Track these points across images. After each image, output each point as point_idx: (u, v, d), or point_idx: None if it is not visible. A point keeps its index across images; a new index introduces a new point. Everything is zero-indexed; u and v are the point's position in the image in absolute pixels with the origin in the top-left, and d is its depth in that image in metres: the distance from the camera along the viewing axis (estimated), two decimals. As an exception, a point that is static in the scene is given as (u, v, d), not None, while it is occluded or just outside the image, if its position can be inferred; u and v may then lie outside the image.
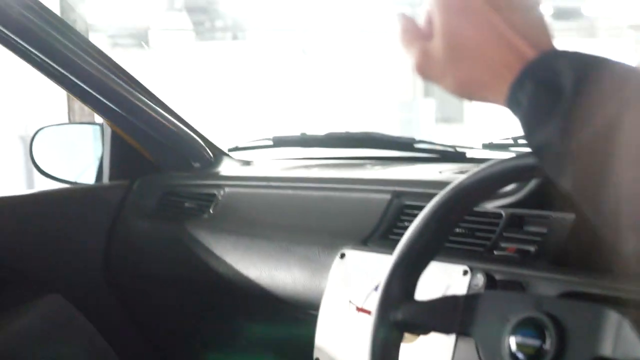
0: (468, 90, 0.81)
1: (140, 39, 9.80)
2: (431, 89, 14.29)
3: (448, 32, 0.79)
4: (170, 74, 10.11)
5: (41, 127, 2.14)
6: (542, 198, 1.29)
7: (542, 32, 0.79)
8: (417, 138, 1.92)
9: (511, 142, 1.73)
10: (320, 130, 2.01)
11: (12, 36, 1.75)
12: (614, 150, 0.68)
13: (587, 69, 0.73)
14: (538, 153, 0.75)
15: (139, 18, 9.75)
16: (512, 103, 0.77)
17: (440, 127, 14.01)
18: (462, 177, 1.06)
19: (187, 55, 10.42)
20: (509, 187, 1.33)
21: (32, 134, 2.12)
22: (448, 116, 14.07)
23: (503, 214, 1.34)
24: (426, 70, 0.82)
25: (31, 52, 1.79)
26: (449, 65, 0.80)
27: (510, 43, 0.77)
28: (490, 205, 1.36)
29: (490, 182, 1.05)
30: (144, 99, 1.95)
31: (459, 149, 1.88)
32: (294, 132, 2.05)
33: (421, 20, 0.83)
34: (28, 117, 10.27)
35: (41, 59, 1.80)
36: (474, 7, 0.78)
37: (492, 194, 1.27)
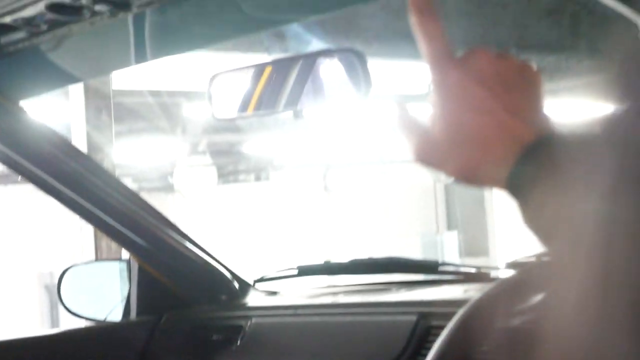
0: (469, 175, 0.81)
1: (165, 181, 9.96)
2: (454, 221, 14.31)
3: (447, 118, 0.81)
4: (195, 215, 10.23)
5: (69, 265, 2.17)
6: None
7: (538, 111, 0.80)
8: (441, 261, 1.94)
9: (534, 260, 1.74)
10: (344, 258, 2.04)
11: (42, 174, 1.81)
12: (613, 229, 0.71)
13: (581, 149, 0.75)
14: (538, 232, 0.75)
15: (163, 161, 9.92)
16: (511, 186, 0.78)
17: (464, 261, 13.94)
18: (486, 287, 1.07)
19: (211, 198, 10.56)
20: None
21: (60, 274, 2.15)
22: (473, 249, 14.02)
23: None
24: (426, 156, 0.83)
25: (61, 189, 1.85)
26: (449, 152, 0.81)
27: (506, 126, 0.78)
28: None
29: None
30: (169, 233, 1.98)
31: (483, 270, 1.89)
32: (318, 261, 2.08)
33: (420, 110, 0.85)
34: (53, 265, 10.36)
35: (70, 196, 1.85)
36: (471, 92, 0.80)
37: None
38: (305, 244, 11.97)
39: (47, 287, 10.15)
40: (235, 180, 12.59)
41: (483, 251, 14.35)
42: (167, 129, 7.94)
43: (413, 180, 13.47)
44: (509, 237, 13.39)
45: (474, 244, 13.94)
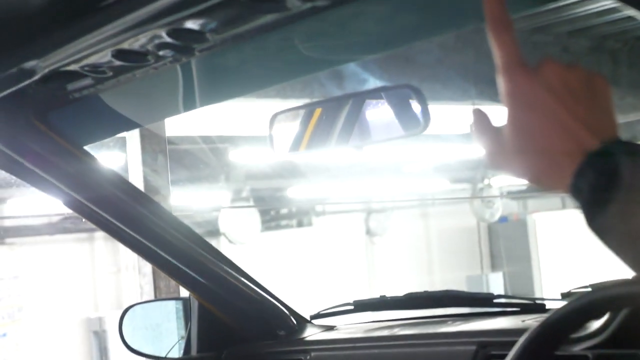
0: (535, 177, 0.85)
1: (212, 226, 10.04)
2: (499, 263, 14.20)
3: (517, 124, 0.85)
4: (241, 259, 10.29)
5: (130, 305, 2.22)
6: (629, 336, 1.30)
7: (605, 121, 0.85)
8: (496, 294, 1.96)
9: (589, 290, 1.75)
10: (399, 293, 2.06)
11: (106, 215, 1.87)
12: None
13: None
14: (600, 236, 0.80)
15: (208, 207, 10.01)
16: (574, 190, 0.82)
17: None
18: (547, 314, 1.09)
19: (256, 242, 10.61)
20: (594, 327, 1.35)
21: (121, 313, 2.20)
22: (518, 288, 13.87)
23: (590, 356, 1.35)
24: (496, 159, 0.87)
25: (123, 229, 1.90)
26: (517, 155, 0.85)
27: (573, 134, 0.83)
28: (577, 348, 1.38)
29: (578, 314, 1.08)
30: (228, 270, 2.03)
31: (538, 301, 1.91)
32: (373, 296, 2.10)
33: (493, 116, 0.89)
34: (100, 311, 10.45)
35: (133, 236, 1.91)
36: (541, 100, 0.84)
37: (580, 327, 1.30)
38: (349, 288, 11.94)
39: (96, 333, 10.23)
40: (278, 226, 12.64)
41: (529, 291, 14.19)
42: (213, 174, 8.04)
43: (456, 221, 13.42)
44: (554, 275, 13.25)
45: (519, 284, 13.80)
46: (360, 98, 1.44)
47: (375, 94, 1.43)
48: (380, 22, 1.31)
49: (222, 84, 1.59)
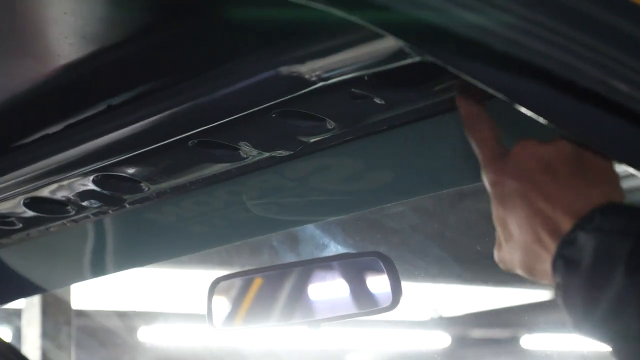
0: (531, 272, 0.86)
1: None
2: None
3: (497, 219, 0.87)
4: None
5: None
6: None
7: (584, 190, 0.82)
8: None
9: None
10: None
11: None
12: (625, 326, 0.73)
13: (604, 245, 0.76)
14: (578, 331, 0.79)
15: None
16: (555, 285, 0.81)
17: None
18: None
19: None
20: None
21: None
22: None
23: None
24: (501, 260, 0.89)
25: None
26: (507, 250, 0.87)
27: (546, 220, 0.82)
28: None
29: None
30: None
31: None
32: None
33: None
34: None
35: None
36: (512, 189, 0.84)
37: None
38: None
39: None
40: None
41: None
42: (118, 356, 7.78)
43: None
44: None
45: None
46: (316, 266, 1.36)
47: (334, 262, 1.36)
48: (348, 180, 1.26)
49: (153, 243, 1.50)
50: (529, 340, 8.34)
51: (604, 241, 0.77)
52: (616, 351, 0.76)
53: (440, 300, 6.86)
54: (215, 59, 1.02)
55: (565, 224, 0.80)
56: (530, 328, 8.15)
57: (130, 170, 1.27)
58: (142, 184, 1.31)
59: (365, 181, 1.25)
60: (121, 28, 1.00)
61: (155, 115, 1.10)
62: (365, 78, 0.99)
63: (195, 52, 1.04)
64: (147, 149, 1.16)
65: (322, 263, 1.36)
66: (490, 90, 0.78)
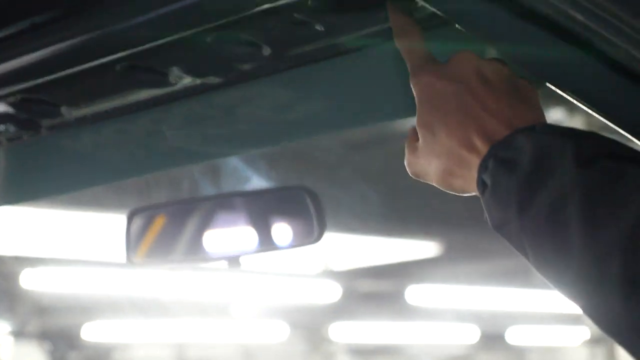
0: (447, 180, 0.87)
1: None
2: None
3: (426, 123, 0.88)
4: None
5: None
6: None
7: (525, 112, 0.85)
8: None
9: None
10: None
11: None
12: (567, 221, 0.74)
13: (546, 144, 0.78)
14: (499, 232, 0.81)
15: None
16: (480, 187, 0.83)
17: None
18: None
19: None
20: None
21: None
22: None
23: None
24: (412, 167, 0.91)
25: None
26: (427, 158, 0.88)
27: (481, 126, 0.84)
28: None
29: None
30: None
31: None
32: None
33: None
34: None
35: None
36: (448, 91, 0.86)
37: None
38: None
39: None
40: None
41: None
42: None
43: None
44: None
45: None
46: (240, 199, 1.37)
47: (258, 195, 1.37)
48: (277, 110, 1.26)
49: (68, 172, 1.47)
50: (414, 293, 8.51)
51: (545, 140, 0.78)
52: (540, 254, 0.77)
53: (332, 252, 6.89)
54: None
55: (502, 131, 0.83)
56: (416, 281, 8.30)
57: (51, 94, 1.24)
58: (62, 108, 1.29)
59: (295, 112, 1.25)
60: None
61: (82, 35, 1.08)
62: (309, 2, 1.00)
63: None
64: (72, 70, 1.13)
65: (245, 196, 1.36)
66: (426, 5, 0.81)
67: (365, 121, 1.27)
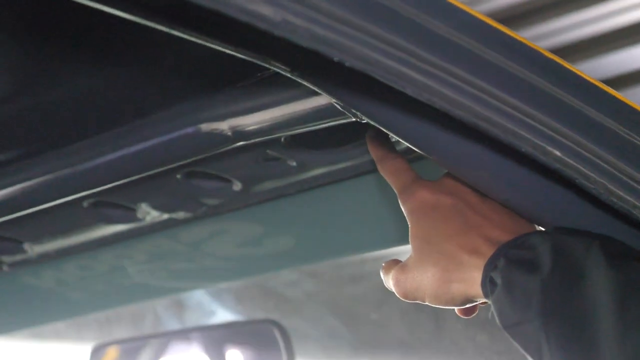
0: (444, 287, 0.85)
1: None
2: None
3: (420, 233, 0.87)
4: None
5: None
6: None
7: (516, 222, 0.85)
8: None
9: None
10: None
11: None
12: (593, 329, 0.73)
13: (568, 245, 0.78)
14: (510, 330, 0.78)
15: None
16: (486, 286, 0.80)
17: None
18: None
19: None
20: None
21: None
22: None
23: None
24: (402, 284, 0.87)
25: None
26: (421, 269, 0.86)
27: (484, 232, 0.83)
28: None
29: None
30: None
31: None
32: None
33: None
34: None
35: None
36: (444, 201, 0.86)
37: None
38: None
39: None
40: None
41: None
42: None
43: None
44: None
45: None
46: (205, 334, 1.36)
47: (225, 329, 1.36)
48: (243, 245, 1.26)
49: (28, 309, 1.45)
50: None
51: (566, 241, 0.78)
52: (564, 357, 0.76)
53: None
54: (124, 115, 1.00)
55: (507, 237, 0.82)
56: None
57: (15, 231, 1.24)
58: (24, 245, 1.28)
59: (262, 247, 1.25)
60: (16, 80, 0.97)
61: (48, 174, 1.07)
62: (282, 140, 1.01)
63: (107, 106, 1.01)
64: (37, 208, 1.13)
65: (211, 331, 1.35)
66: (399, 138, 0.82)
67: (333, 254, 1.28)
